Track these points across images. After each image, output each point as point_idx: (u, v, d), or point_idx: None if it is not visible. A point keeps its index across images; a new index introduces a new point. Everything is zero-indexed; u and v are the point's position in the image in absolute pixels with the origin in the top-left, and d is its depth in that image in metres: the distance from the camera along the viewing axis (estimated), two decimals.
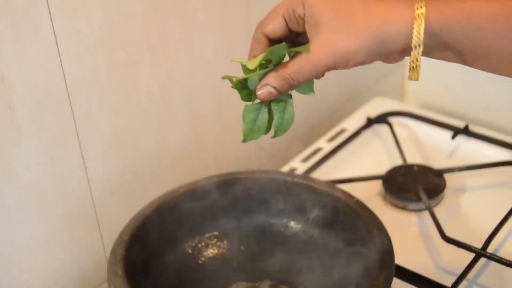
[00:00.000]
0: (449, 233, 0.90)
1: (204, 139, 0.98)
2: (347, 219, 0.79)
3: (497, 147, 1.09)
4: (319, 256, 0.81)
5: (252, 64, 0.61)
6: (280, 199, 0.84)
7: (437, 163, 1.05)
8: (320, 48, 0.59)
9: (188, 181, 0.85)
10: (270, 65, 0.62)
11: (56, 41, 0.75)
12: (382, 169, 1.04)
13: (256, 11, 0.99)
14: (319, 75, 0.62)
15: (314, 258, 0.82)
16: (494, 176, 1.05)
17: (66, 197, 0.82)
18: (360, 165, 1.08)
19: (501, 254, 0.87)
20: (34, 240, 0.80)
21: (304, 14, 0.61)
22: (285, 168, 1.06)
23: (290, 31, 0.64)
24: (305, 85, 0.64)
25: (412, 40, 0.58)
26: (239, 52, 0.94)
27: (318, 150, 1.11)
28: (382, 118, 1.17)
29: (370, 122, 1.17)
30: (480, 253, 0.86)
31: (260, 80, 0.62)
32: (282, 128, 0.65)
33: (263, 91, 0.61)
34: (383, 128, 1.16)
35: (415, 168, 1.03)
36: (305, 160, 1.08)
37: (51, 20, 0.74)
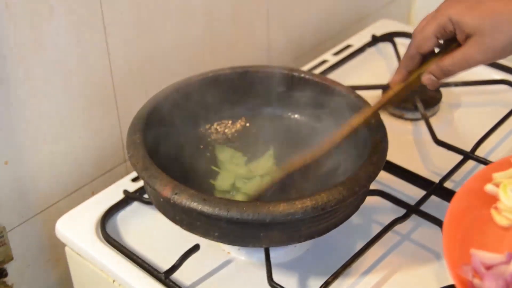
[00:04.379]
0: (441, 138, 0.96)
1: (217, 39, 1.05)
2: (346, 111, 0.86)
3: (492, 68, 1.15)
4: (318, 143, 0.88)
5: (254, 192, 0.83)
6: (287, 93, 0.91)
7: None
8: (472, 48, 0.71)
9: None
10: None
11: None
12: (383, 82, 1.10)
13: None
14: (470, 68, 0.74)
15: (314, 145, 0.88)
16: (487, 95, 1.11)
17: (89, 78, 0.89)
18: (363, 78, 1.14)
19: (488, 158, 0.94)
20: (59, 115, 0.88)
21: (455, 29, 0.73)
22: None
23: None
24: None
25: None
26: None
27: (323, 62, 1.17)
28: (387, 37, 1.22)
29: (375, 40, 1.22)
30: (468, 155, 0.93)
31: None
32: None
33: (427, 80, 0.76)
34: (387, 47, 1.22)
35: None
36: (311, 70, 1.14)
37: None
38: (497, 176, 0.68)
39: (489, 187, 0.67)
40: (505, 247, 0.62)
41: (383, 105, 0.80)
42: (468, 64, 0.73)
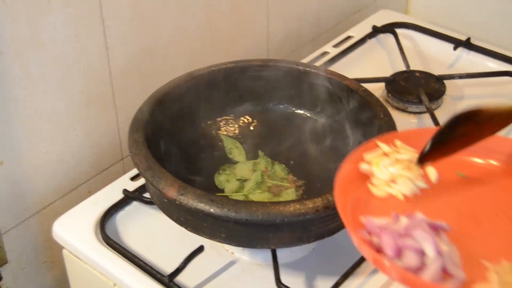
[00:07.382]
0: None
1: (217, 32, 1.02)
2: (354, 106, 0.84)
3: (496, 60, 1.13)
4: (325, 139, 0.86)
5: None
6: (290, 87, 0.89)
7: (438, 71, 1.09)
8: None
9: None
10: None
11: None
12: (385, 75, 1.08)
13: None
14: None
15: (320, 141, 0.86)
16: (491, 87, 1.09)
17: (87, 74, 0.86)
18: (364, 70, 1.12)
19: None
20: (56, 112, 0.85)
21: None
22: None
23: None
24: None
25: None
26: None
27: (324, 53, 1.14)
28: (388, 28, 1.20)
29: (375, 31, 1.20)
30: None
31: None
32: None
33: None
34: (388, 38, 1.19)
35: (417, 73, 1.07)
36: (312, 63, 1.11)
37: None
38: (368, 156, 0.71)
39: (363, 166, 0.70)
40: (388, 214, 0.66)
41: None
42: None
